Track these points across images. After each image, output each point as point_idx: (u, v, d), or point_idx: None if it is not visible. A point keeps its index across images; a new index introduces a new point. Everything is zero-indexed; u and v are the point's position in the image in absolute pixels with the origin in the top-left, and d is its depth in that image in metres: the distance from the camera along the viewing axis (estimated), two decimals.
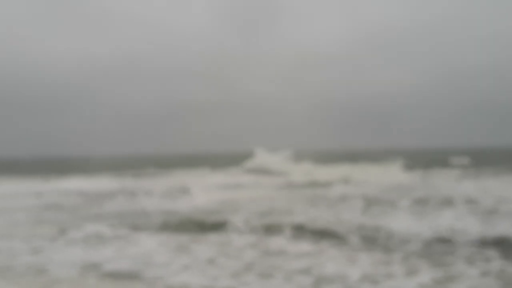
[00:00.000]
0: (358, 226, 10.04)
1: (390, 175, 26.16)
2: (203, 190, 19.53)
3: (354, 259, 7.35)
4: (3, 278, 6.70)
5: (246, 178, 27.24)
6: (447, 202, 13.76)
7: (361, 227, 9.93)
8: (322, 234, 9.33)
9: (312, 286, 6.06)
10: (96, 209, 15.13)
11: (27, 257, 7.97)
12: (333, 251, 7.97)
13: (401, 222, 10.66)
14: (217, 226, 10.57)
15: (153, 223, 11.44)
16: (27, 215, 13.73)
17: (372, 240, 8.73)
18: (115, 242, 9.27)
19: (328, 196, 16.49)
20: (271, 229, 9.90)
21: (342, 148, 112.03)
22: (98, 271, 7.05)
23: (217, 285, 6.23)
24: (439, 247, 7.99)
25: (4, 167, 47.98)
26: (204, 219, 11.57)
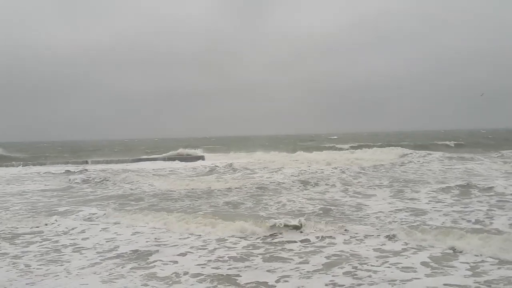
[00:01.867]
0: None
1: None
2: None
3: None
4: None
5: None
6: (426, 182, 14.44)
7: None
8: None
9: None
10: (90, 193, 15.46)
11: (37, 245, 8.30)
12: None
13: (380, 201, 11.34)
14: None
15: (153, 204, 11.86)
16: (26, 200, 14.02)
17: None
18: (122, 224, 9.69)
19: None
20: None
21: (335, 133, 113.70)
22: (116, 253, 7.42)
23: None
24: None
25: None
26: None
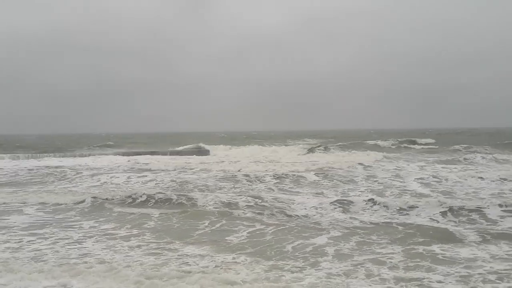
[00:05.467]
0: None
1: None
2: None
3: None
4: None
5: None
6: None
7: None
8: None
9: None
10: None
11: None
12: None
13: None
14: None
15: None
16: None
17: None
18: None
19: None
20: None
21: (277, 131, 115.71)
22: None
23: None
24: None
25: None
26: None
